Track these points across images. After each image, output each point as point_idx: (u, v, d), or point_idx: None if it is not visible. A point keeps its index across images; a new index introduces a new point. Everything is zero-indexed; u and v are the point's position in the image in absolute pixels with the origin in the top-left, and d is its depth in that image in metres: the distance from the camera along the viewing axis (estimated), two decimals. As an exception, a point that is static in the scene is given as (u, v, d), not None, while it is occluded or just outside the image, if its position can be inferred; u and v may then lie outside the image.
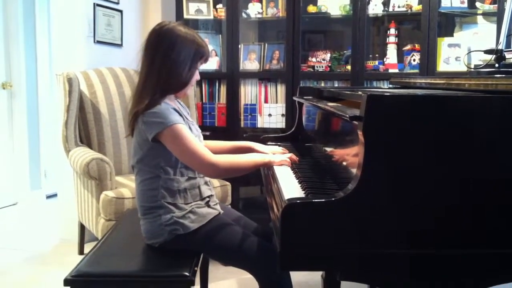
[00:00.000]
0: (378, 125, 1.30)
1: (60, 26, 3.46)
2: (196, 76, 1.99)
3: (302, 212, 1.30)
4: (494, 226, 1.35)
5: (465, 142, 1.32)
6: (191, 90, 2.08)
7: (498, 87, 1.54)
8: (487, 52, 1.97)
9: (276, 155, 2.05)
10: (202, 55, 1.96)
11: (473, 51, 3.25)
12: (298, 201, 1.32)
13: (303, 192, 1.60)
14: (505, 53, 1.95)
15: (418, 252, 1.35)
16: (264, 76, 3.78)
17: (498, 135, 1.33)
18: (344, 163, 1.65)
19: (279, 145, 2.39)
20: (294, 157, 2.05)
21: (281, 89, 3.72)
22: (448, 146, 1.31)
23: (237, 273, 1.97)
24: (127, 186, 2.87)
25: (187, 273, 1.73)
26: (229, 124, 3.78)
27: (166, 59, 1.89)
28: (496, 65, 1.92)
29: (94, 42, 3.53)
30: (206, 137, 3.78)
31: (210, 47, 3.83)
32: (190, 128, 1.97)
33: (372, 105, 1.29)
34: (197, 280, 2.42)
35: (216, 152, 1.96)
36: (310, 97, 2.58)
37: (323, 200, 1.30)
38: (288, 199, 1.36)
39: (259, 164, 1.97)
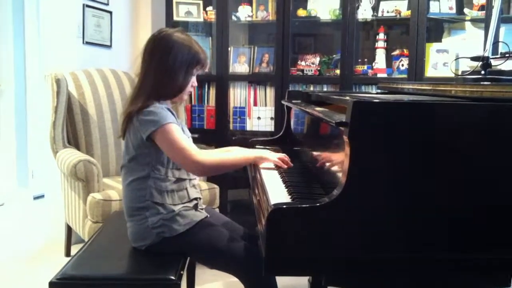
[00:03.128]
0: (363, 131, 1.31)
1: (49, 27, 3.44)
2: (193, 83, 2.01)
3: (287, 217, 1.31)
4: (481, 230, 1.36)
5: (450, 148, 1.33)
6: (188, 96, 2.12)
7: (483, 94, 1.55)
8: (474, 59, 1.99)
9: (269, 152, 2.07)
10: (199, 61, 1.98)
11: (460, 58, 3.28)
12: (283, 206, 1.33)
13: (289, 196, 1.61)
14: (491, 60, 1.98)
15: (404, 256, 1.36)
16: (253, 79, 3.78)
17: (481, 141, 1.34)
18: (331, 168, 1.66)
19: (268, 149, 2.39)
20: (287, 158, 2.06)
21: (270, 92, 3.72)
22: (433, 152, 1.32)
23: (224, 276, 1.97)
24: (114, 188, 2.86)
25: (172, 277, 1.73)
26: (218, 127, 3.78)
27: (162, 64, 1.91)
28: (482, 72, 1.94)
29: (83, 43, 3.51)
30: (195, 139, 3.78)
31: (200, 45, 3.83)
32: (182, 129, 1.98)
33: (358, 111, 1.30)
34: (184, 283, 2.43)
35: None
36: (298, 101, 2.59)
37: (308, 205, 1.31)
38: (274, 204, 1.36)
39: (249, 158, 2.00)
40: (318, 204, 1.29)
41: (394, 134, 1.32)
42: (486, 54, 1.97)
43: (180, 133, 1.87)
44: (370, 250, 1.33)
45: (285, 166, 2.02)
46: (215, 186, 3.15)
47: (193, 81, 2.00)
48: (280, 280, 1.91)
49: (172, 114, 1.92)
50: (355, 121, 1.30)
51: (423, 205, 1.33)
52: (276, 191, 1.67)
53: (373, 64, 3.57)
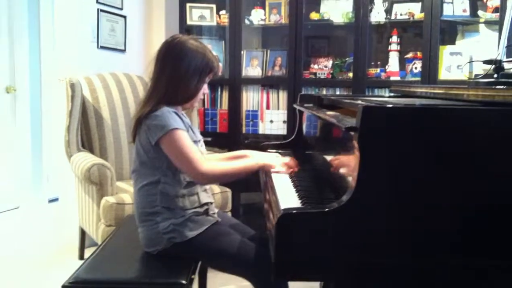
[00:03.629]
0: (373, 136, 1.30)
1: (64, 31, 3.48)
2: (205, 90, 2.02)
3: (296, 222, 1.31)
4: (494, 237, 1.35)
5: (461, 153, 1.32)
6: (198, 103, 2.15)
7: (495, 98, 1.54)
8: (486, 62, 1.97)
9: (274, 159, 2.07)
10: (212, 69, 1.99)
11: (472, 61, 3.25)
12: (293, 211, 1.32)
13: (300, 201, 1.61)
14: (504, 64, 1.96)
15: (415, 263, 1.35)
16: (266, 83, 3.79)
17: (494, 147, 1.33)
18: (342, 172, 1.65)
19: (280, 153, 2.39)
20: (293, 162, 2.06)
21: (283, 95, 3.73)
22: (444, 157, 1.31)
23: (236, 280, 1.97)
24: (127, 192, 2.88)
25: (184, 281, 1.74)
26: (231, 130, 3.80)
27: (175, 71, 1.93)
28: (495, 75, 1.92)
29: (98, 47, 3.55)
30: (207, 143, 3.81)
31: (213, 53, 3.85)
32: (193, 131, 1.99)
33: (368, 116, 1.30)
34: (196, 287, 2.44)
35: None
36: (310, 105, 2.58)
37: (317, 210, 1.31)
38: (284, 209, 1.36)
39: (252, 168, 1.99)
40: (327, 209, 1.28)
41: (404, 139, 1.31)
42: (498, 58, 1.95)
43: (186, 140, 1.87)
44: (379, 255, 1.33)
45: (289, 171, 2.01)
46: (227, 189, 3.16)
47: (205, 88, 2.01)
48: (292, 284, 1.90)
49: (180, 118, 1.93)
50: (364, 125, 1.29)
51: (434, 211, 1.32)
52: (287, 196, 1.67)
53: (386, 67, 3.56)
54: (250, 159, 2.06)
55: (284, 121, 3.71)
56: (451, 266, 1.36)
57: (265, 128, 3.77)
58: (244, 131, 3.82)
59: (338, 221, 1.29)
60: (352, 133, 1.36)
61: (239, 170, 1.97)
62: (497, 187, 1.32)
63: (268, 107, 3.77)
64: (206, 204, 2.01)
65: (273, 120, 3.74)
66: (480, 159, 1.32)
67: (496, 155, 1.32)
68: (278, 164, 2.02)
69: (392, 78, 3.50)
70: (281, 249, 1.32)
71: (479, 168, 1.32)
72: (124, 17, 3.78)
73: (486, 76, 2.00)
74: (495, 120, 1.34)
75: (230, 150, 3.79)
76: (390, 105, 1.35)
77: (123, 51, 3.80)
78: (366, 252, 1.32)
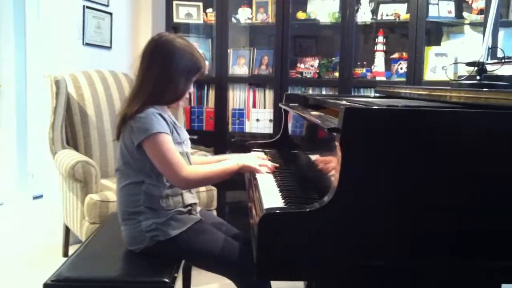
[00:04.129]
0: (355, 137, 1.31)
1: (49, 28, 3.45)
2: (191, 89, 2.01)
3: (278, 222, 1.31)
4: (473, 238, 1.36)
5: (442, 155, 1.33)
6: (184, 102, 2.15)
7: (477, 101, 1.56)
8: (469, 64, 2.00)
9: (253, 160, 2.06)
10: (199, 69, 1.98)
11: (456, 63, 3.28)
12: (275, 211, 1.33)
13: (283, 201, 1.61)
14: (487, 66, 1.98)
15: (394, 263, 1.37)
16: (253, 81, 3.79)
17: (475, 149, 1.35)
18: (326, 173, 1.66)
19: (265, 152, 2.40)
20: (269, 165, 2.06)
21: (269, 94, 3.73)
22: (424, 159, 1.33)
23: (220, 278, 1.97)
24: (112, 189, 2.87)
25: (166, 279, 1.74)
26: (217, 128, 3.80)
27: (164, 70, 1.91)
28: (478, 77, 1.94)
29: (83, 44, 3.53)
30: (194, 141, 3.81)
31: (200, 51, 3.84)
32: (177, 132, 1.98)
33: (350, 117, 1.31)
34: (180, 284, 2.44)
35: None
36: (295, 104, 2.60)
37: (298, 210, 1.31)
38: (267, 208, 1.37)
39: (232, 169, 1.98)
40: (308, 210, 1.29)
41: (386, 140, 1.32)
42: (481, 60, 1.97)
43: (168, 144, 1.86)
44: (360, 256, 1.34)
45: (265, 172, 2.00)
46: (213, 188, 3.16)
47: (191, 87, 2.01)
48: (275, 283, 1.91)
49: (165, 119, 1.92)
50: (346, 127, 1.30)
51: (414, 212, 1.33)
52: (270, 195, 1.68)
53: (372, 67, 3.58)
54: (230, 160, 2.05)
55: (270, 120, 3.72)
56: (436, 266, 1.38)
57: (251, 126, 3.78)
58: (230, 129, 3.82)
59: (319, 221, 1.30)
60: (334, 134, 1.37)
61: (219, 173, 1.96)
62: (475, 188, 1.34)
63: (254, 106, 3.77)
64: (190, 205, 2.00)
65: (260, 119, 3.75)
66: (459, 161, 1.33)
67: (476, 157, 1.33)
68: (257, 165, 2.01)
69: (377, 78, 3.52)
70: (263, 249, 1.33)
71: (457, 170, 1.33)
72: (110, 14, 3.76)
73: (469, 77, 2.02)
74: (477, 123, 1.35)
75: (216, 148, 3.80)
76: (372, 107, 1.36)
77: (109, 48, 3.78)
78: (347, 253, 1.33)
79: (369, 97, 2.64)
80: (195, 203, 2.05)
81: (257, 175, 1.97)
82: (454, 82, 2.00)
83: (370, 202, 1.32)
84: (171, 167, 1.84)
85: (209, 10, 3.84)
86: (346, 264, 1.33)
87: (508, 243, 1.36)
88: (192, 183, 1.96)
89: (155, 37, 2.00)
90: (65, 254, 3.28)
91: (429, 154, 1.33)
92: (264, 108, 3.75)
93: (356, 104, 1.78)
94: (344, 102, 2.05)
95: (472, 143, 1.33)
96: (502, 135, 1.34)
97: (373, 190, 1.32)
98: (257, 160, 2.08)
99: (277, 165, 2.07)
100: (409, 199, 1.33)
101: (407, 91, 2.22)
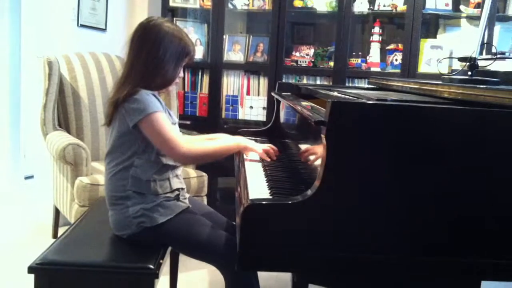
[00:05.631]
0: (341, 131, 1.31)
1: (44, 8, 3.42)
2: (180, 74, 2.00)
3: (261, 213, 1.32)
4: (459, 235, 1.37)
5: (425, 149, 1.34)
6: (174, 88, 2.15)
7: (466, 97, 1.56)
8: (461, 59, 1.99)
9: (255, 143, 2.07)
10: (188, 53, 1.97)
11: (448, 57, 3.28)
12: (258, 203, 1.33)
13: (269, 191, 1.61)
14: (479, 61, 1.98)
15: (376, 257, 1.37)
16: (247, 68, 3.78)
17: (461, 146, 1.35)
18: (314, 164, 1.67)
19: (256, 140, 2.40)
20: (272, 150, 2.08)
21: (263, 82, 3.72)
22: (409, 154, 1.33)
23: (208, 264, 1.98)
24: (102, 173, 2.84)
25: (151, 266, 1.74)
26: (211, 114, 3.79)
27: (152, 55, 1.90)
28: (469, 72, 1.94)
29: (78, 25, 3.50)
30: (187, 126, 3.80)
31: (195, 36, 3.83)
32: (169, 113, 1.99)
33: (336, 111, 1.30)
34: (167, 270, 2.45)
35: None
36: (288, 94, 2.59)
37: (281, 202, 1.32)
38: (251, 199, 1.37)
39: (233, 148, 2.01)
40: (290, 202, 1.29)
41: (371, 135, 1.32)
42: (474, 55, 1.97)
43: (166, 122, 1.87)
44: (343, 249, 1.34)
45: (268, 160, 2.03)
46: (204, 174, 3.16)
47: (180, 72, 2.00)
48: (262, 273, 1.92)
49: (159, 100, 1.92)
50: (332, 120, 1.30)
51: (397, 207, 1.34)
52: (257, 186, 1.68)
53: (367, 58, 3.57)
54: (231, 139, 2.06)
55: (264, 108, 3.71)
56: (412, 263, 1.39)
57: (244, 113, 3.77)
58: (223, 115, 3.82)
59: (301, 213, 1.30)
60: (322, 127, 1.37)
61: (219, 150, 1.99)
62: (460, 186, 1.34)
63: (248, 93, 3.76)
64: (177, 189, 2.00)
65: (253, 106, 3.74)
66: (443, 157, 1.33)
67: (462, 154, 1.34)
68: (260, 149, 2.02)
69: (372, 69, 3.51)
70: (245, 239, 1.33)
71: (441, 166, 1.33)
72: (106, -4, 3.74)
73: (462, 73, 2.01)
74: (464, 120, 1.35)
75: (208, 134, 3.79)
76: (359, 101, 1.36)
77: (104, 30, 3.76)
78: (329, 246, 1.34)
79: (361, 89, 2.63)
80: (182, 188, 2.05)
81: (246, 164, 1.97)
82: (445, 77, 2.00)
83: (353, 196, 1.32)
84: (170, 143, 1.85)
85: (206, -5, 3.81)
86: (326, 257, 1.34)
87: (489, 241, 1.37)
88: (192, 157, 1.97)
89: (143, 21, 1.98)
90: (55, 235, 3.28)
91: (414, 149, 1.33)
92: (258, 95, 3.74)
93: (347, 96, 1.79)
94: (335, 93, 2.05)
95: (457, 139, 1.33)
96: (485, 133, 1.34)
97: (356, 184, 1.32)
98: (259, 144, 2.09)
99: (279, 151, 2.08)
100: (393, 195, 1.33)
101: (399, 84, 2.22)
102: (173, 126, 1.94)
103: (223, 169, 3.79)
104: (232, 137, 2.12)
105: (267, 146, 2.09)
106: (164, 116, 1.88)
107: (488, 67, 2.17)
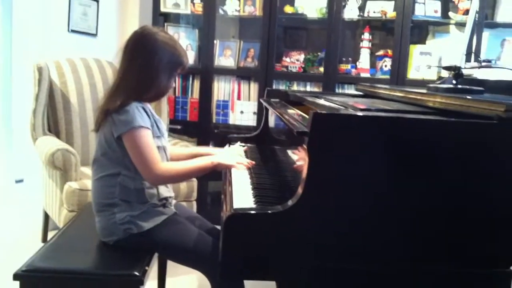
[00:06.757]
0: (322, 142, 1.33)
1: (35, 13, 3.43)
2: (172, 84, 2.01)
3: (243, 223, 1.33)
4: (437, 243, 1.39)
5: (406, 160, 1.35)
6: (165, 98, 2.15)
7: (450, 107, 1.57)
8: (446, 68, 2.01)
9: (229, 158, 2.05)
10: (181, 64, 1.98)
11: (435, 66, 3.31)
12: (240, 212, 1.34)
13: (254, 199, 1.63)
14: (463, 70, 1.99)
15: (357, 267, 1.39)
16: (238, 74, 3.79)
17: (442, 156, 1.36)
18: (299, 172, 1.68)
19: (243, 146, 2.40)
20: (247, 164, 2.04)
21: (254, 87, 3.74)
22: (390, 165, 1.34)
23: (196, 271, 1.98)
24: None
25: (137, 273, 1.75)
26: (201, 119, 3.80)
27: (146, 65, 1.90)
28: (454, 81, 1.96)
29: (68, 30, 3.51)
30: (177, 131, 3.81)
31: (186, 41, 3.84)
32: (157, 126, 1.98)
33: (318, 122, 1.32)
34: (155, 276, 2.46)
35: (173, 158, 2.07)
36: (276, 100, 2.61)
37: (262, 212, 1.33)
38: (235, 209, 1.39)
39: (206, 167, 1.97)
40: (270, 212, 1.31)
41: (353, 146, 1.34)
42: (459, 64, 1.99)
43: (147, 139, 1.86)
44: (324, 258, 1.36)
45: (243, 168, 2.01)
46: (193, 179, 3.16)
47: (173, 82, 2.01)
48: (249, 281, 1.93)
49: (147, 114, 1.92)
50: (314, 131, 1.32)
51: (377, 218, 1.35)
52: (242, 194, 1.69)
53: (357, 63, 3.59)
54: (206, 158, 2.03)
55: (254, 113, 3.72)
56: (398, 273, 1.40)
57: (235, 118, 3.78)
58: (214, 120, 3.83)
59: (281, 224, 1.31)
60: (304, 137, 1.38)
61: (193, 170, 1.96)
62: (438, 194, 1.36)
63: (239, 98, 3.78)
64: (165, 198, 2.01)
65: (244, 111, 3.76)
66: (425, 167, 1.35)
67: (443, 164, 1.35)
68: (233, 162, 2.00)
69: (362, 75, 3.54)
70: (227, 248, 1.35)
71: (422, 176, 1.35)
72: (97, 1, 3.73)
73: (448, 80, 2.03)
74: (445, 130, 1.37)
75: (199, 139, 3.81)
76: (341, 112, 1.37)
77: (95, 35, 3.76)
78: (308, 255, 1.35)
79: (349, 96, 2.65)
80: (170, 197, 2.06)
81: (233, 171, 1.98)
82: (431, 86, 2.01)
83: (333, 207, 1.33)
84: (146, 163, 1.84)
85: (197, 0, 3.82)
86: (306, 266, 1.35)
87: (470, 250, 1.38)
88: (163, 180, 1.95)
89: (137, 30, 1.98)
90: (44, 239, 3.28)
91: (395, 160, 1.34)
92: (249, 100, 3.76)
93: (332, 105, 1.80)
94: (322, 101, 2.06)
95: (438, 150, 1.35)
96: (466, 144, 1.36)
97: (338, 196, 1.33)
98: (234, 156, 2.08)
99: (254, 162, 2.07)
100: (373, 205, 1.35)
101: (386, 92, 2.24)
102: (155, 145, 1.90)
103: (214, 173, 3.80)
104: (207, 156, 2.07)
105: (242, 160, 2.06)
106: (148, 134, 1.87)
107: (476, 76, 2.20)
